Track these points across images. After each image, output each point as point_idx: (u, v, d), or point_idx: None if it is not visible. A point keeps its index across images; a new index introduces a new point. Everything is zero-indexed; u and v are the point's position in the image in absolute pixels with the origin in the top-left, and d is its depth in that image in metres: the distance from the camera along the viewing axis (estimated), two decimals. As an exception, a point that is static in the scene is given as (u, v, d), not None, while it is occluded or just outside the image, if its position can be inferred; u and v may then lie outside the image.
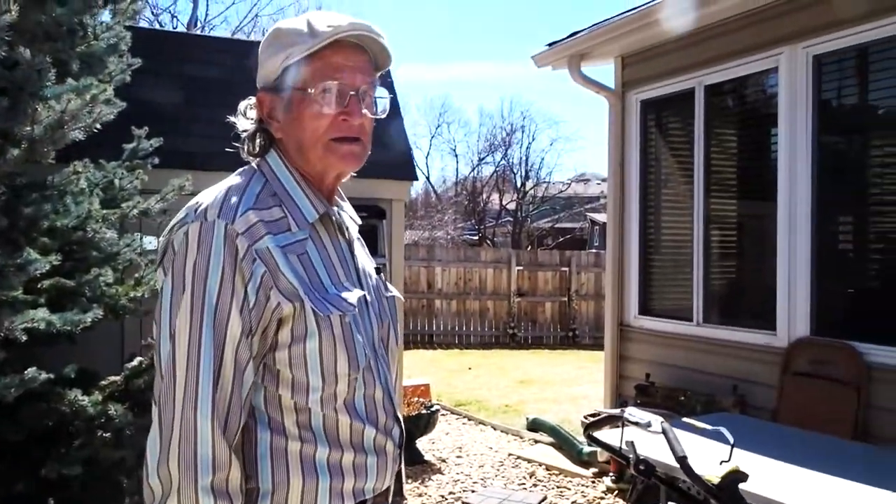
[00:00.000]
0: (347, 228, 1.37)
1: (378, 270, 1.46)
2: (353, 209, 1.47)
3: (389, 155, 5.14)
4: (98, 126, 2.26)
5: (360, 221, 1.48)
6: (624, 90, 5.36)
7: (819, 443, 3.05)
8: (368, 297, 1.34)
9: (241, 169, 1.32)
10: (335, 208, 1.36)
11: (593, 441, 2.52)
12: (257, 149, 1.33)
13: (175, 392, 1.13)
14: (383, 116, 1.33)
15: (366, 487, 1.28)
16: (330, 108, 1.23)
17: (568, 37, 5.24)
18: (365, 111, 1.27)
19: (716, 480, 2.03)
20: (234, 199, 1.20)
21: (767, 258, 4.39)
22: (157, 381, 1.16)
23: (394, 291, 1.49)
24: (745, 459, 2.51)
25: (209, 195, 1.22)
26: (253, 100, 1.32)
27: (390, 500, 1.41)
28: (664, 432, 2.10)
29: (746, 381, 4.39)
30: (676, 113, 5.21)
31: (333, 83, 1.23)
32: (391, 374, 1.38)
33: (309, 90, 1.23)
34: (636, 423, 2.17)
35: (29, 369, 2.59)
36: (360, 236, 1.50)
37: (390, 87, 5.47)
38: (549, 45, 5.41)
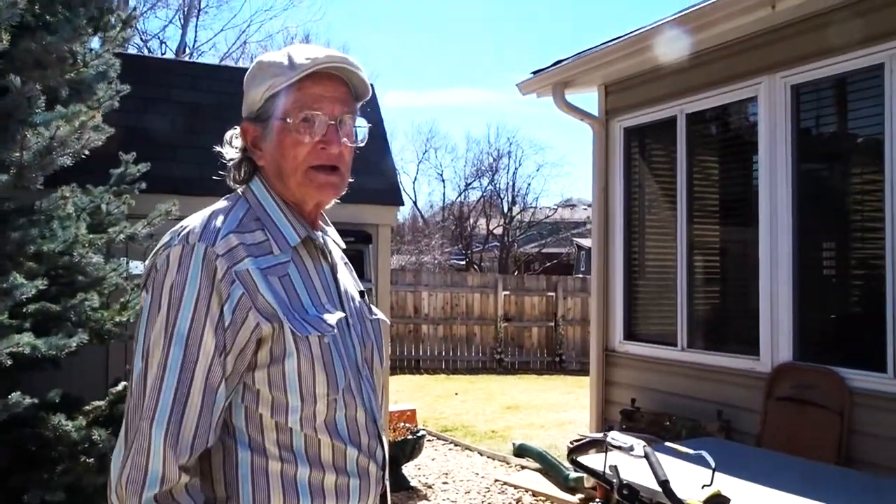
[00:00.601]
0: (330, 252, 1.40)
1: (362, 294, 1.48)
2: (337, 234, 1.50)
3: (376, 180, 5.18)
4: (86, 152, 2.28)
5: (343, 245, 1.51)
6: (608, 118, 5.45)
7: (802, 467, 3.08)
8: (350, 320, 1.36)
9: (227, 196, 1.36)
10: (319, 233, 1.39)
11: (577, 465, 2.53)
12: (242, 176, 1.37)
13: (138, 408, 1.16)
14: (362, 145, 1.37)
15: None
16: (309, 136, 1.28)
17: (552, 65, 5.34)
18: (344, 140, 1.31)
19: (698, 504, 2.04)
20: (216, 223, 1.24)
21: (750, 284, 4.45)
22: (127, 398, 1.20)
23: (378, 314, 1.51)
24: (728, 484, 2.53)
25: (193, 220, 1.26)
26: (238, 129, 1.37)
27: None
28: (646, 456, 2.12)
29: (731, 405, 4.42)
30: (659, 140, 5.29)
31: (312, 113, 1.28)
32: (375, 396, 1.40)
33: (289, 119, 1.28)
34: (619, 448, 2.19)
35: (13, 394, 2.58)
36: (346, 260, 1.53)
37: (377, 113, 5.54)
38: (534, 72, 5.50)
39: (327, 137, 1.29)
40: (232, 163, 1.37)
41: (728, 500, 2.09)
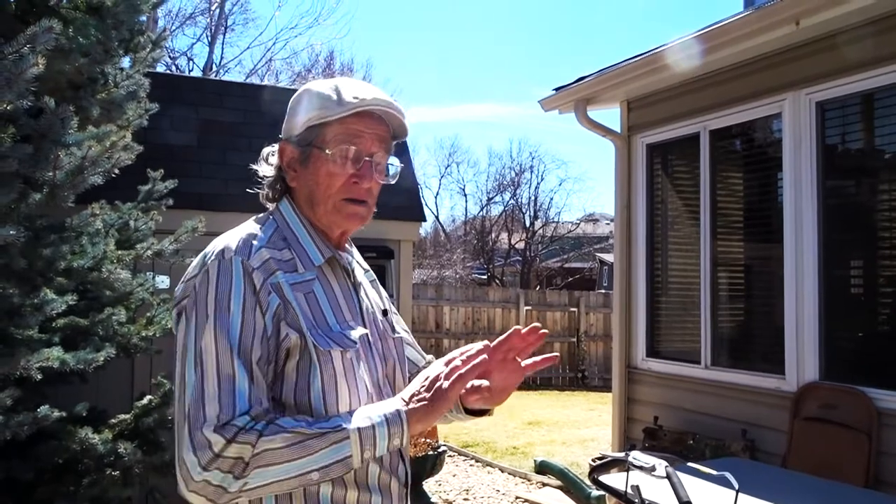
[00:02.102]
0: (353, 271, 1.43)
1: (385, 312, 1.50)
2: (360, 255, 1.54)
3: (398, 197, 5.22)
4: (116, 171, 2.34)
5: (367, 267, 1.55)
6: (630, 134, 5.44)
7: (829, 489, 3.03)
8: (371, 338, 1.39)
9: (256, 216, 1.40)
10: (345, 254, 1.43)
11: (598, 485, 2.52)
12: (275, 195, 1.41)
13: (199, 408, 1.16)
14: (393, 182, 1.43)
15: None
16: (344, 169, 1.34)
17: (574, 82, 5.35)
18: (376, 176, 1.37)
19: (721, 527, 2.02)
20: (247, 240, 1.29)
21: (775, 301, 4.40)
22: (176, 404, 1.20)
23: (401, 333, 1.53)
24: (752, 505, 2.49)
25: (224, 239, 1.30)
26: (276, 147, 1.41)
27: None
28: (668, 477, 2.10)
29: (756, 425, 4.36)
30: (682, 156, 5.27)
31: (351, 148, 1.34)
32: None
33: (327, 151, 1.33)
34: (640, 468, 2.18)
35: (42, 407, 2.63)
36: (375, 278, 1.58)
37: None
38: (556, 89, 5.51)
39: (361, 172, 1.34)
40: (266, 181, 1.41)
41: (752, 522, 2.06)
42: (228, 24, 21.33)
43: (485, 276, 25.18)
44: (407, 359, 1.57)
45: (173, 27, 19.56)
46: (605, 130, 5.48)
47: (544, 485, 6.06)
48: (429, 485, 5.81)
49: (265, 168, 1.41)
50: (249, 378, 1.19)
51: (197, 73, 19.80)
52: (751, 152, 4.94)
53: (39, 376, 2.32)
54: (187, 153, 4.96)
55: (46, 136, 1.91)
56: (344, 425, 1.20)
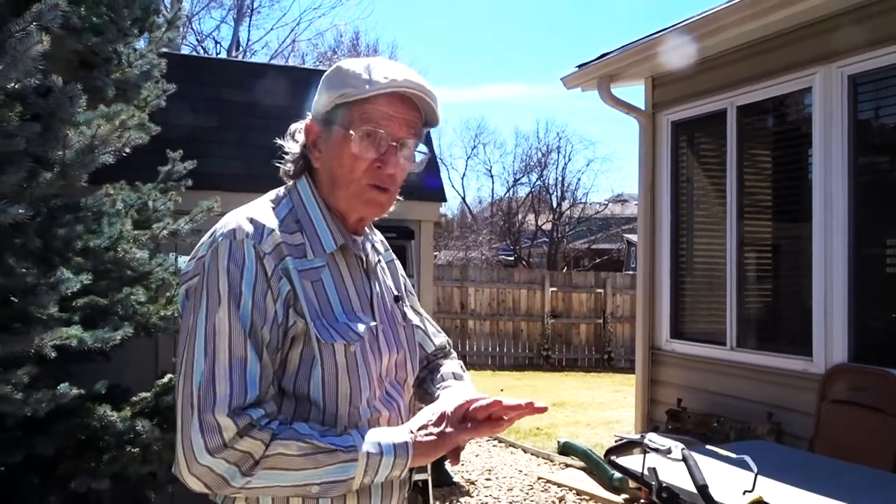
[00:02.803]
0: (367, 257, 1.38)
1: (397, 299, 1.46)
2: (382, 239, 1.49)
3: (418, 176, 5.18)
4: (127, 150, 2.34)
5: (386, 246, 1.50)
6: (654, 111, 5.33)
7: (857, 474, 2.95)
8: (381, 326, 1.34)
9: (272, 192, 1.36)
10: (360, 238, 1.38)
11: (615, 467, 2.48)
12: (295, 171, 1.36)
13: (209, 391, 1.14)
14: (417, 171, 1.37)
15: None
16: (368, 152, 1.27)
17: (597, 58, 5.24)
18: (402, 162, 1.30)
19: (739, 511, 1.97)
20: (260, 221, 1.24)
21: (803, 281, 4.29)
22: (178, 385, 1.18)
23: (413, 320, 1.49)
24: (774, 490, 2.44)
25: (235, 217, 1.25)
26: (303, 124, 1.36)
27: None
28: (684, 459, 2.06)
29: (782, 407, 4.28)
30: (708, 134, 5.15)
31: (376, 130, 1.27)
32: (401, 401, 1.38)
33: (352, 131, 1.27)
34: (656, 450, 2.13)
35: (61, 385, 2.66)
36: (394, 258, 1.53)
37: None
38: (579, 66, 5.41)
39: (385, 157, 1.28)
40: (291, 156, 1.36)
41: (771, 506, 2.01)
42: (254, 5, 21.37)
43: (511, 258, 25.08)
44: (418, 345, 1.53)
45: (198, 9, 19.65)
46: (628, 108, 5.37)
47: (567, 466, 6.04)
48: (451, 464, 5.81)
49: (291, 144, 1.37)
50: (260, 363, 1.16)
51: (223, 55, 19.87)
52: (779, 129, 4.81)
53: (53, 354, 2.35)
54: (208, 134, 4.97)
55: (55, 114, 1.91)
56: (355, 446, 1.17)
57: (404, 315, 1.45)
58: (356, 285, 1.32)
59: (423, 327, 1.58)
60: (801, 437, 4.09)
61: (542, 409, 1.29)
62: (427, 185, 5.20)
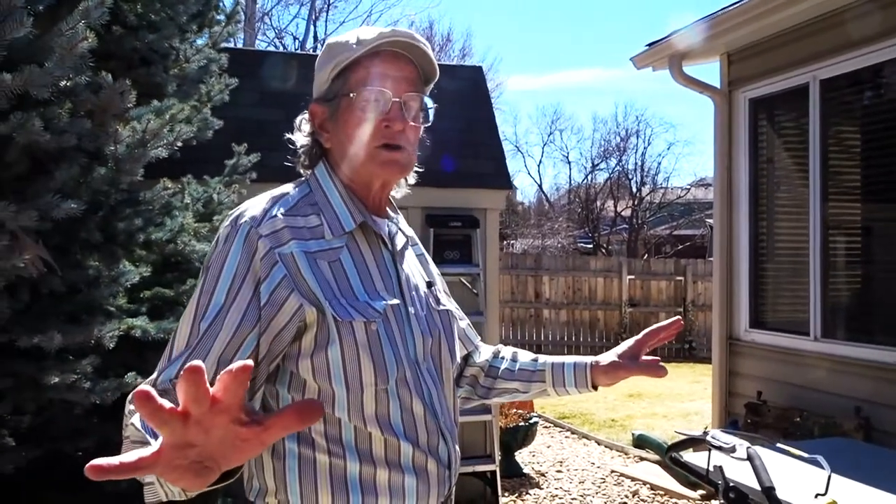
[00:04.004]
0: (392, 240, 1.35)
1: (430, 284, 1.42)
2: (405, 222, 1.46)
3: (483, 164, 5.10)
4: (179, 143, 2.39)
5: (416, 240, 1.48)
6: (731, 89, 5.05)
7: (951, 476, 2.71)
8: (411, 309, 1.30)
9: (296, 180, 1.35)
10: (384, 220, 1.35)
11: (677, 464, 2.35)
12: (310, 161, 1.35)
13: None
14: (428, 125, 1.35)
15: None
16: (372, 113, 1.26)
17: (669, 35, 5.01)
18: (411, 120, 1.28)
19: (808, 515, 1.83)
20: (267, 206, 1.23)
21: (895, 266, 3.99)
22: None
23: (447, 305, 1.44)
24: (852, 493, 2.26)
25: (248, 203, 1.25)
26: (307, 114, 1.34)
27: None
28: (750, 458, 1.92)
29: (872, 402, 4.00)
30: (789, 110, 4.85)
31: (376, 90, 1.26)
32: (437, 390, 1.32)
33: (352, 95, 1.26)
34: (719, 448, 2.00)
35: (128, 374, 2.75)
36: (423, 251, 1.50)
37: (484, 96, 5.45)
38: (649, 44, 5.19)
39: (391, 115, 1.26)
40: (303, 148, 1.35)
41: (846, 511, 1.85)
42: (330, 0, 21.67)
43: (590, 246, 24.63)
44: (462, 337, 1.50)
45: (274, 4, 20.10)
46: (702, 86, 5.12)
47: (642, 459, 5.87)
48: (522, 456, 5.75)
49: (299, 136, 1.35)
50: (196, 352, 1.12)
51: (300, 51, 20.28)
52: (868, 103, 4.47)
53: (112, 345, 2.42)
54: (275, 127, 5.05)
55: (107, 110, 1.96)
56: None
57: (438, 300, 1.41)
58: (379, 266, 1.29)
59: (463, 317, 1.54)
60: (893, 434, 3.81)
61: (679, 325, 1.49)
62: (492, 173, 5.12)
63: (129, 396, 1.11)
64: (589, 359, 1.52)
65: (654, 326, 1.49)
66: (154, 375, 1.13)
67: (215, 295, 1.15)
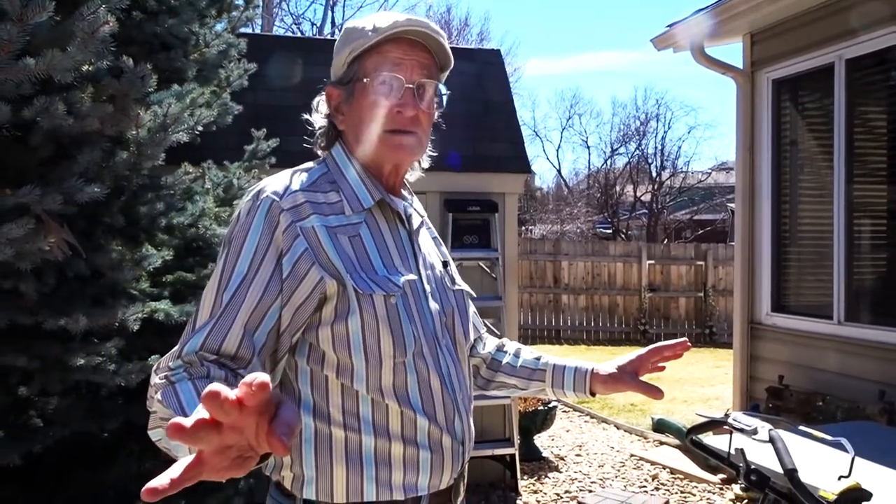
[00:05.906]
0: (409, 219, 1.37)
1: (445, 264, 1.45)
2: (420, 204, 1.49)
3: (501, 149, 5.08)
4: (199, 128, 2.40)
5: (428, 223, 1.50)
6: (753, 69, 4.98)
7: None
8: (428, 286, 1.33)
9: (315, 160, 1.38)
10: (400, 200, 1.37)
11: (698, 447, 2.34)
12: (327, 142, 1.38)
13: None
14: (441, 110, 1.37)
15: (419, 483, 1.26)
16: (386, 99, 1.28)
17: (690, 15, 4.94)
18: (422, 105, 1.30)
19: (831, 498, 1.82)
20: (288, 182, 1.26)
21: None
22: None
23: (462, 286, 1.47)
24: (875, 476, 2.24)
25: (268, 179, 1.28)
26: (323, 96, 1.37)
27: (458, 500, 1.37)
28: (772, 441, 1.91)
29: (895, 386, 3.95)
30: (813, 91, 4.77)
31: (390, 75, 1.28)
32: (454, 366, 1.34)
33: (366, 79, 1.29)
34: (741, 430, 2.00)
35: (152, 356, 2.79)
36: (436, 234, 1.53)
37: (502, 80, 5.41)
38: (669, 25, 5.12)
39: (403, 101, 1.29)
40: (320, 130, 1.38)
41: (870, 494, 1.84)
42: (348, -14, 21.59)
43: (609, 231, 24.49)
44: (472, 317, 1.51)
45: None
46: (724, 67, 5.04)
47: (661, 443, 5.86)
48: (541, 439, 5.76)
49: (316, 118, 1.38)
50: (220, 322, 1.13)
51: (317, 36, 20.25)
52: (895, 83, 4.38)
53: (136, 327, 2.45)
54: (293, 112, 5.05)
55: (128, 94, 1.98)
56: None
57: (453, 279, 1.45)
58: (396, 242, 1.32)
59: (474, 295, 1.56)
60: (918, 419, 3.77)
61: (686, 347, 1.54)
62: (511, 157, 5.10)
63: (154, 367, 1.14)
64: (590, 365, 1.52)
65: (660, 344, 1.52)
66: (177, 347, 1.14)
67: (238, 267, 1.17)
